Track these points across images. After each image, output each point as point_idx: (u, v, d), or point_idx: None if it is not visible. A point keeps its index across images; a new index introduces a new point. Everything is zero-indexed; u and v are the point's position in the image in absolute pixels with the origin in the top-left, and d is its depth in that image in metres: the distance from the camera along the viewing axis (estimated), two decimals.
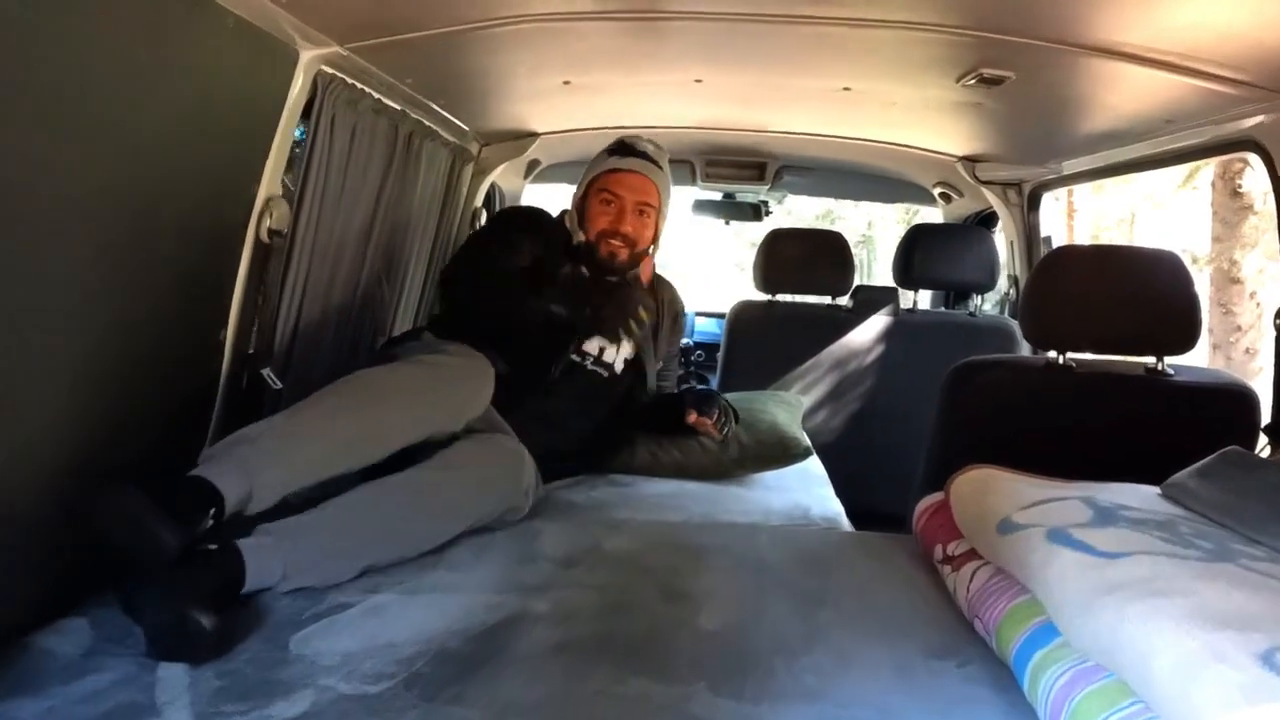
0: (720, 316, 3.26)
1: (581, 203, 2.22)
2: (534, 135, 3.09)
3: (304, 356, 1.99)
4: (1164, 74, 1.74)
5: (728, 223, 4.33)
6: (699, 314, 4.55)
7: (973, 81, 2.05)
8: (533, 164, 3.53)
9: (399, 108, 2.23)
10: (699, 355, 4.31)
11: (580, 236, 2.20)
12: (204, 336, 1.69)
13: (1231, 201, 6.94)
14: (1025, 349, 3.18)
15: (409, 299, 2.70)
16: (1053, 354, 1.93)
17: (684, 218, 4.17)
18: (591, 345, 2.19)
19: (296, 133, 1.80)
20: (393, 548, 1.53)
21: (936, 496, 1.78)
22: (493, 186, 3.60)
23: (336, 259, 2.07)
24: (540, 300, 2.05)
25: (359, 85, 1.94)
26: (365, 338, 2.36)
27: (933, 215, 4.04)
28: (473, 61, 2.10)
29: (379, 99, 2.07)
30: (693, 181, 3.71)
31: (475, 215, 3.22)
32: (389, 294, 2.43)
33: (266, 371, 1.81)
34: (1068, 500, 1.45)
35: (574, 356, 2.16)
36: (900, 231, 13.91)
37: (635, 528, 1.88)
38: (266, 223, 1.73)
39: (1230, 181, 6.89)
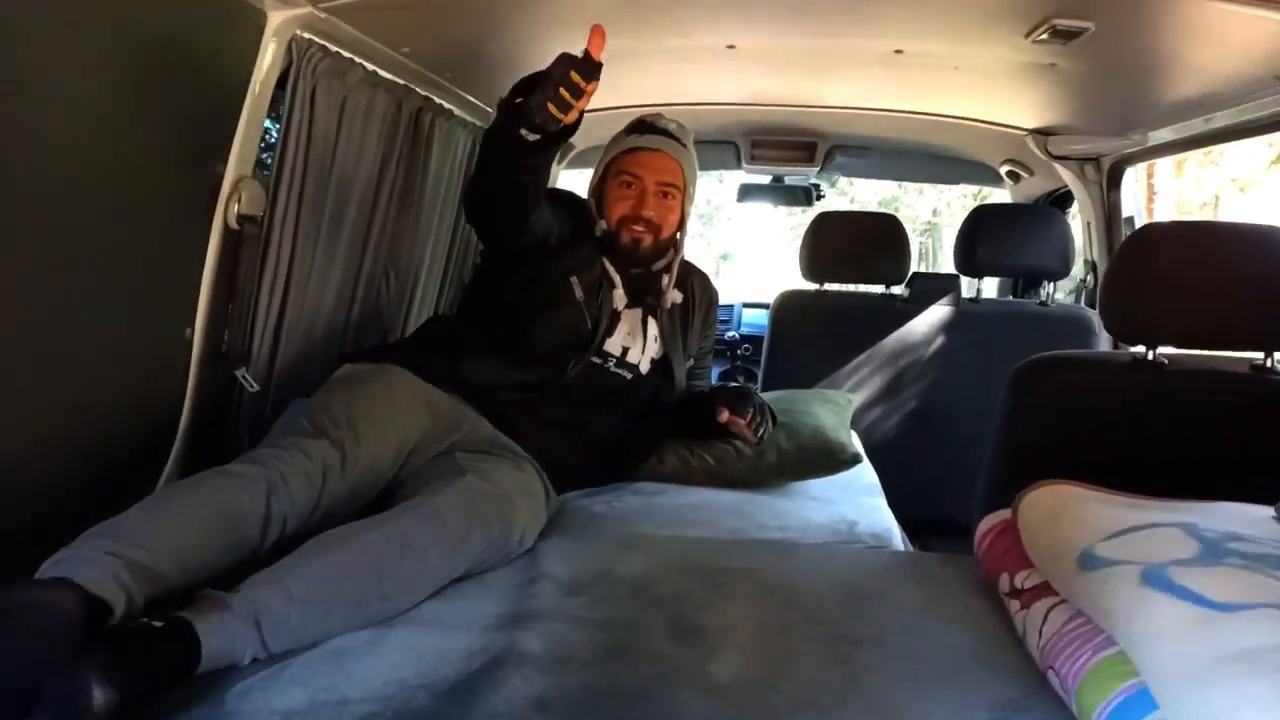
0: (769, 307, 3.03)
1: (599, 188, 2.01)
2: None
3: (290, 357, 1.82)
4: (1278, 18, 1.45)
5: (776, 207, 4.07)
6: (746, 305, 4.30)
7: (1044, 36, 1.78)
8: (566, 147, 3.31)
9: (401, 82, 2.04)
10: (746, 349, 4.05)
11: (602, 226, 1.98)
12: (168, 333, 1.52)
13: None
14: (1105, 343, 2.88)
15: (424, 295, 2.51)
16: (1140, 349, 1.65)
17: (730, 203, 3.93)
18: (614, 344, 1.97)
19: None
20: (367, 615, 1.30)
21: (1003, 514, 1.53)
22: None
23: (328, 248, 1.88)
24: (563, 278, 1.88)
25: (345, 54, 1.75)
26: (369, 337, 2.18)
27: (1000, 198, 3.73)
28: (474, 26, 1.89)
29: (374, 70, 1.88)
30: (738, 164, 3.47)
31: None
32: (395, 289, 2.25)
33: (242, 373, 1.63)
34: (1165, 528, 1.19)
35: (594, 358, 1.95)
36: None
37: (654, 546, 1.67)
38: (236, 206, 1.55)
39: None
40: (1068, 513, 1.34)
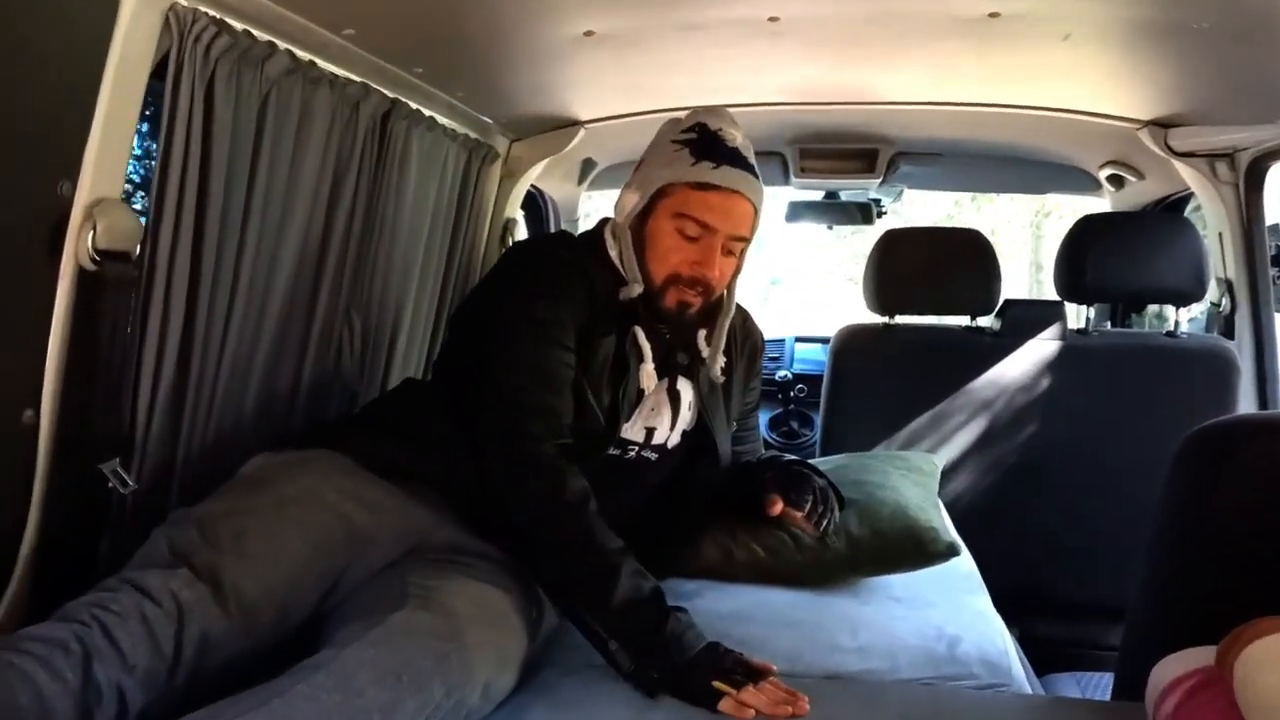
0: (825, 341, 2.54)
1: (641, 224, 1.48)
2: (577, 124, 2.44)
3: (203, 442, 1.39)
4: None
5: (830, 228, 3.58)
6: (799, 339, 3.81)
7: None
8: (587, 164, 2.88)
9: (355, 78, 1.61)
10: (800, 390, 3.54)
11: (635, 279, 1.47)
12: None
13: None
14: (1249, 383, 2.34)
15: (409, 346, 2.06)
16: None
17: (779, 222, 3.45)
18: (634, 429, 1.50)
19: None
20: None
21: (1198, 660, 1.05)
22: (540, 195, 2.98)
23: (250, 290, 1.45)
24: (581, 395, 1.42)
25: (260, 34, 1.32)
26: (330, 405, 1.74)
27: (1087, 208, 3.20)
28: (435, 2, 1.45)
29: (309, 60, 1.45)
30: (785, 180, 2.99)
31: (509, 228, 2.58)
32: (363, 341, 1.80)
33: (112, 468, 1.19)
34: None
35: (611, 450, 1.48)
36: (1028, 237, 12.84)
37: None
38: (90, 239, 1.11)
39: None
40: None
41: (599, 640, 1.25)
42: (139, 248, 1.20)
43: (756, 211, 1.49)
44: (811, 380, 3.41)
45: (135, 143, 1.22)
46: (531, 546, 1.31)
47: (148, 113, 1.21)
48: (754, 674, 1.21)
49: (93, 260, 1.12)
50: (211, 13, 1.22)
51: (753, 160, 1.49)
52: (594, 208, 3.48)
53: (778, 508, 1.52)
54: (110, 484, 1.20)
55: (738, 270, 1.54)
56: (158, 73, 1.20)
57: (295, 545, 1.16)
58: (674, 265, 1.45)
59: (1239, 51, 1.70)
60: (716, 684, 1.18)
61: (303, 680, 0.95)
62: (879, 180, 2.86)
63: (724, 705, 1.17)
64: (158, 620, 1.01)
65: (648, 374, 1.46)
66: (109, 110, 1.12)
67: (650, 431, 1.50)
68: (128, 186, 1.22)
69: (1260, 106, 2.02)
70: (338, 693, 0.95)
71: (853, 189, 3.18)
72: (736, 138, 1.49)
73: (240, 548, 1.11)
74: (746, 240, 1.50)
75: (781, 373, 3.58)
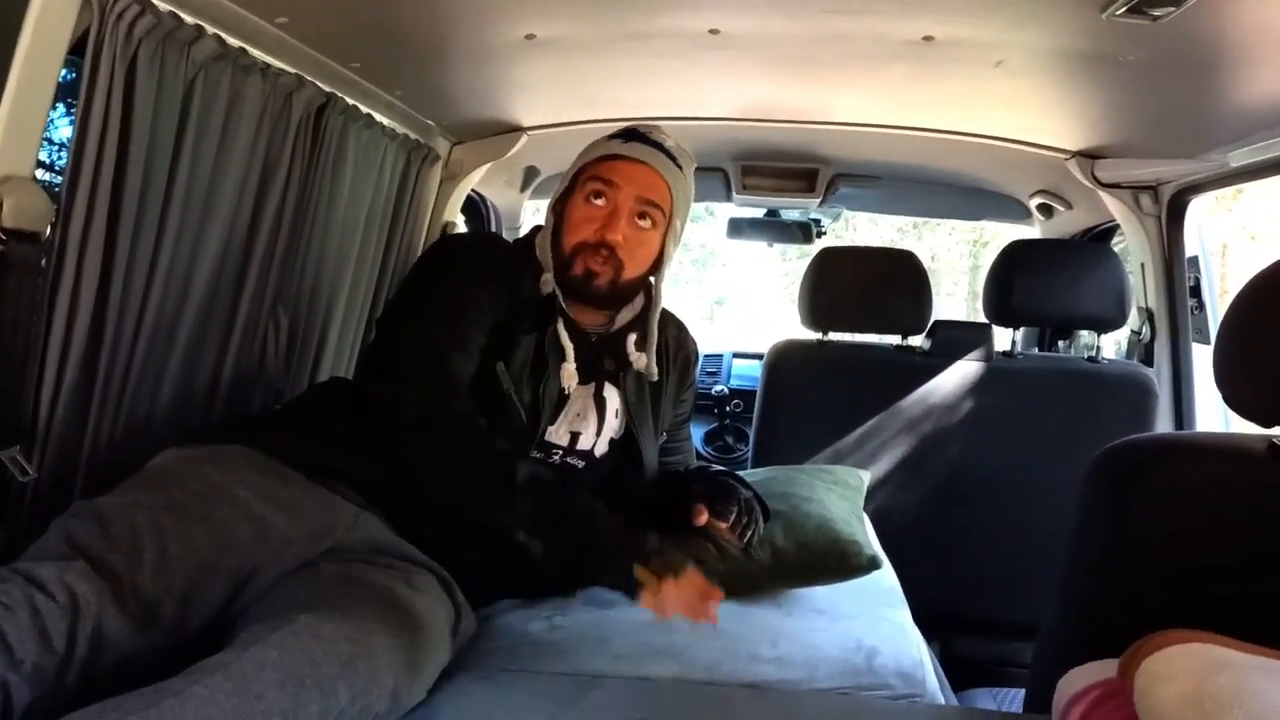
0: (762, 357, 2.56)
1: (561, 205, 1.52)
2: (519, 130, 2.43)
3: (113, 433, 1.34)
4: None
5: (771, 245, 3.62)
6: (737, 355, 3.83)
7: (1124, 10, 1.34)
8: (530, 172, 2.87)
9: (289, 69, 1.58)
10: (736, 405, 3.55)
11: (548, 261, 1.50)
12: None
13: None
14: (1165, 408, 2.41)
15: (340, 344, 2.02)
16: (1277, 432, 1.18)
17: (725, 245, 3.48)
18: (558, 432, 1.49)
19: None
20: None
21: (1102, 673, 1.06)
22: (481, 200, 2.96)
23: (168, 279, 1.40)
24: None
25: (187, 18, 1.28)
26: (252, 401, 1.69)
27: (1020, 237, 3.28)
28: None
29: (239, 47, 1.42)
30: (727, 195, 3.01)
31: (447, 231, 2.55)
32: (289, 336, 1.76)
33: (10, 455, 1.14)
34: None
35: (535, 453, 1.46)
36: (967, 265, 13.11)
37: (604, 698, 1.24)
38: None
39: None
40: (1221, 695, 0.87)
41: (507, 537, 1.25)
42: (49, 229, 1.16)
43: (670, 188, 1.51)
44: (748, 395, 3.42)
45: (54, 121, 1.18)
46: (426, 460, 1.31)
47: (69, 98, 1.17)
48: (671, 563, 1.22)
49: None
50: None
51: (675, 156, 1.53)
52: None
53: (703, 518, 1.51)
54: (8, 471, 1.15)
55: (662, 257, 1.55)
56: (76, 48, 1.16)
57: (200, 542, 1.12)
58: (581, 234, 1.47)
59: (1163, 86, 1.76)
60: (639, 571, 1.19)
61: (199, 681, 0.91)
62: (818, 200, 2.89)
63: (644, 600, 1.19)
64: (50, 613, 0.97)
65: (569, 373, 1.45)
66: (20, 85, 1.07)
67: (575, 436, 1.49)
68: (46, 170, 1.18)
69: (1182, 142, 2.10)
70: (236, 695, 0.91)
71: (793, 207, 3.21)
72: (664, 139, 1.53)
73: (141, 542, 1.07)
74: (662, 210, 1.50)
75: (718, 388, 3.59)
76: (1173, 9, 1.32)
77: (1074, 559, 1.29)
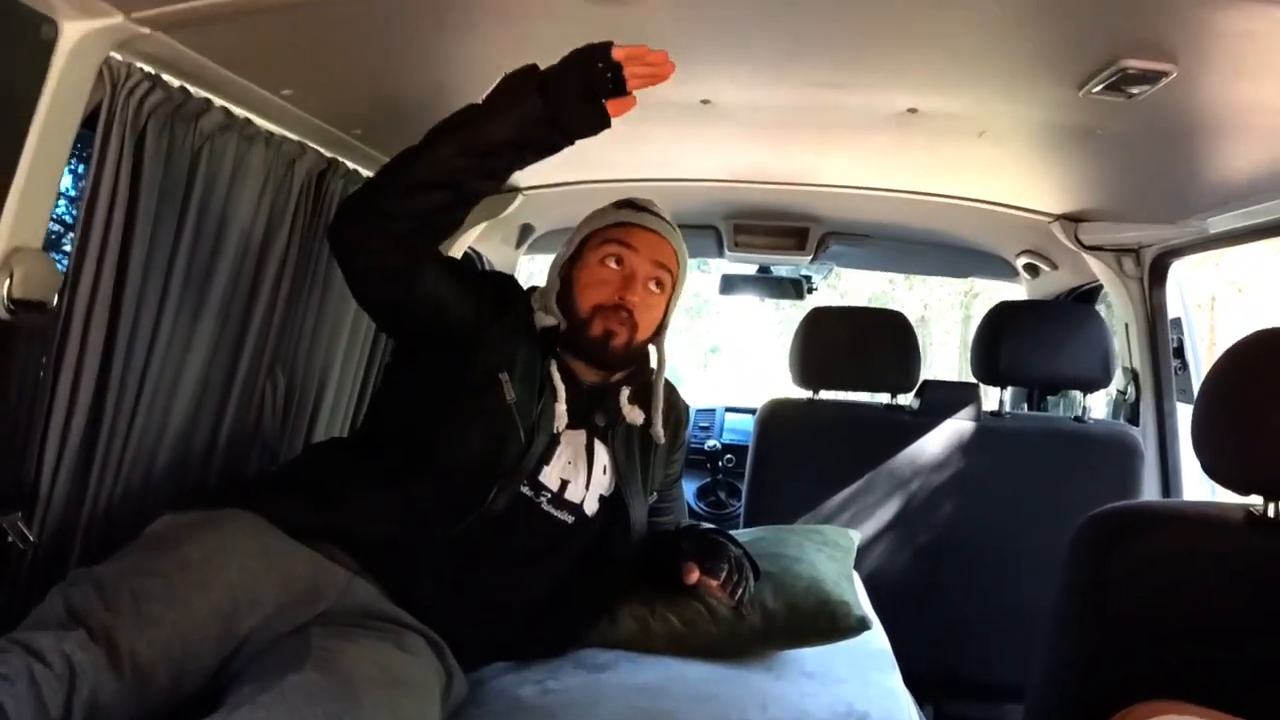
0: (754, 412, 2.58)
1: (569, 268, 1.57)
2: (515, 190, 2.48)
3: (111, 498, 1.36)
4: None
5: (763, 300, 3.66)
6: (730, 409, 3.85)
7: (1101, 88, 1.39)
8: (525, 229, 2.91)
9: (292, 136, 1.63)
10: (729, 460, 3.57)
11: (555, 321, 1.54)
12: None
13: None
14: (1152, 468, 2.44)
15: (336, 405, 2.04)
16: (1255, 501, 1.20)
17: (718, 295, 3.53)
18: (550, 475, 1.50)
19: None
20: None
21: None
22: (477, 257, 3.00)
23: (174, 344, 1.43)
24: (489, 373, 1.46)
25: (195, 90, 1.33)
26: (248, 463, 1.71)
27: (1008, 294, 3.34)
28: (375, 69, 1.48)
29: (245, 117, 1.46)
30: (719, 252, 3.06)
31: None
32: (285, 397, 1.78)
33: (12, 522, 1.16)
34: None
35: (524, 489, 1.48)
36: (959, 315, 13.20)
37: None
38: (5, 287, 1.10)
39: None
40: None
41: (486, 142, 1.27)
42: (56, 296, 1.19)
43: (678, 256, 1.59)
44: (740, 450, 3.44)
45: (62, 188, 1.21)
46: (388, 203, 1.32)
47: (76, 160, 1.21)
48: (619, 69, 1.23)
49: (7, 309, 1.11)
50: (146, 68, 1.23)
51: (671, 222, 1.62)
52: (536, 268, 3.51)
53: (694, 576, 1.53)
54: (10, 539, 1.16)
55: (664, 324, 1.61)
56: (88, 121, 1.20)
57: (196, 609, 1.13)
58: (599, 296, 1.52)
59: (1141, 157, 1.81)
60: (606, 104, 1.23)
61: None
62: (809, 258, 2.94)
63: (613, 109, 1.24)
64: (47, 683, 0.98)
65: (559, 413, 1.49)
66: (34, 160, 1.11)
67: (564, 484, 1.51)
68: (53, 232, 1.21)
69: (1161, 208, 2.15)
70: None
71: (784, 264, 3.26)
72: (661, 211, 1.62)
73: (139, 610, 1.08)
74: (671, 276, 1.58)
75: (711, 442, 3.61)
76: (1148, 87, 1.37)
77: (1057, 625, 1.30)
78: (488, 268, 3.11)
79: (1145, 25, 1.19)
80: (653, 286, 1.56)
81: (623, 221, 1.57)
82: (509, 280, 1.66)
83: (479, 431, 1.43)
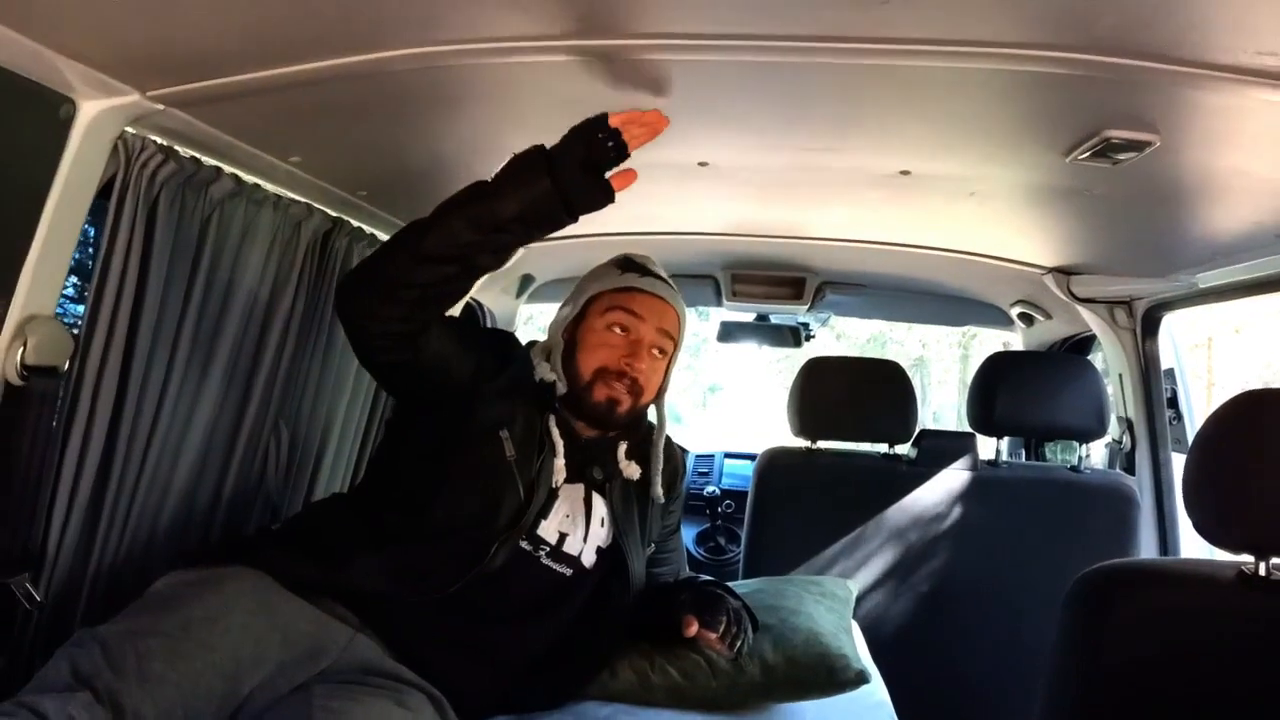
0: (753, 458, 2.59)
1: (573, 329, 1.60)
2: None
3: (116, 557, 1.38)
4: None
5: (761, 347, 3.69)
6: (729, 455, 3.86)
7: (1088, 154, 1.43)
8: (526, 280, 2.95)
9: (299, 199, 1.67)
10: (728, 506, 3.58)
11: (555, 378, 1.57)
12: None
13: None
14: (1148, 515, 2.45)
15: (336, 460, 2.06)
16: (1246, 560, 1.22)
17: (710, 334, 3.55)
18: (548, 528, 1.52)
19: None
20: None
21: None
22: (478, 306, 3.04)
23: (177, 402, 1.46)
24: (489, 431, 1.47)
25: (206, 160, 1.37)
26: (251, 518, 1.73)
27: (1004, 339, 3.37)
28: (380, 136, 1.52)
29: (254, 183, 1.50)
30: (718, 301, 3.09)
31: None
32: (289, 452, 1.80)
33: (20, 584, 1.18)
34: None
35: (523, 544, 1.50)
36: (957, 354, 13.22)
37: None
38: (19, 354, 1.13)
39: None
40: None
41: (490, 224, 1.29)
42: (68, 361, 1.22)
43: (680, 321, 1.62)
44: (739, 496, 3.45)
45: (75, 254, 1.25)
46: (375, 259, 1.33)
47: (90, 226, 1.24)
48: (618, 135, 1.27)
49: (20, 375, 1.13)
50: (159, 140, 1.27)
51: (670, 283, 1.64)
52: (535, 310, 3.54)
53: (693, 629, 1.54)
54: (17, 599, 1.18)
55: (664, 387, 1.63)
56: (102, 191, 1.23)
57: (200, 669, 1.15)
58: (603, 359, 1.55)
59: (1128, 217, 1.85)
60: (608, 178, 1.28)
61: None
62: (806, 306, 2.97)
63: (616, 182, 1.28)
64: None
65: (557, 469, 1.51)
66: (49, 231, 1.14)
67: (563, 537, 1.53)
68: (66, 296, 1.24)
69: (1151, 264, 2.18)
70: None
71: (782, 313, 3.30)
72: (660, 270, 1.64)
73: (143, 671, 1.10)
74: (673, 341, 1.61)
75: (710, 488, 3.62)
76: (1133, 154, 1.41)
77: (1053, 680, 1.32)
78: (488, 318, 3.15)
79: (1127, 99, 1.23)
80: (656, 353, 1.60)
81: (628, 287, 1.59)
82: (509, 337, 1.68)
83: (478, 488, 1.46)
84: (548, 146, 1.28)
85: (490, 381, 1.51)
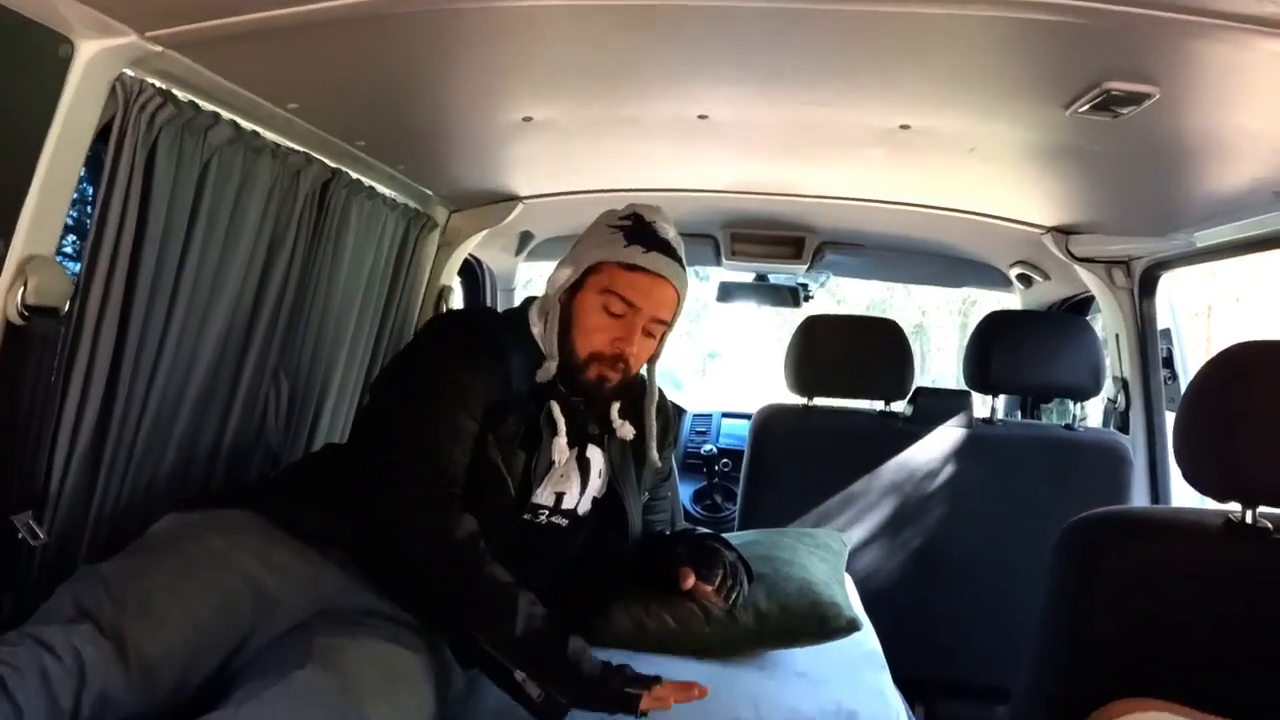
0: (750, 418, 2.61)
1: (569, 298, 1.55)
2: (515, 199, 2.51)
3: (118, 498, 1.40)
4: None
5: (760, 307, 3.70)
6: (726, 415, 3.89)
7: (1088, 107, 1.42)
8: (525, 237, 2.95)
9: (297, 148, 1.66)
10: (725, 464, 3.61)
11: (553, 356, 1.54)
12: None
13: None
14: (1141, 474, 2.47)
15: (335, 410, 2.07)
16: (1234, 508, 1.24)
17: (711, 300, 3.55)
18: (544, 494, 1.54)
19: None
20: None
21: None
22: (478, 264, 3.04)
23: (181, 350, 1.47)
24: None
25: (205, 105, 1.37)
26: (251, 465, 1.75)
27: (1002, 302, 3.38)
28: (379, 85, 1.51)
29: (252, 130, 1.50)
30: (717, 261, 3.09)
31: (444, 296, 2.63)
32: (288, 401, 1.82)
33: (25, 519, 1.19)
34: None
35: (524, 515, 1.52)
36: (957, 321, 13.20)
37: None
38: (19, 294, 1.14)
39: None
40: None
41: (503, 673, 1.29)
42: (68, 303, 1.22)
43: (680, 299, 1.59)
44: (736, 455, 3.46)
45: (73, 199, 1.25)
46: (428, 585, 1.34)
47: (89, 171, 1.24)
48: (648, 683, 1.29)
49: (20, 315, 1.14)
50: (158, 84, 1.27)
51: (682, 254, 1.59)
52: (537, 272, 3.54)
53: (690, 581, 1.56)
54: (20, 535, 1.20)
55: (657, 354, 1.63)
56: (101, 135, 1.23)
57: (201, 607, 1.17)
58: (597, 344, 1.52)
59: (1127, 173, 1.85)
60: (629, 690, 1.28)
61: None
62: (805, 266, 2.97)
63: (644, 704, 1.26)
64: (58, 677, 1.02)
65: (560, 447, 1.51)
66: (48, 172, 1.15)
67: (559, 496, 1.55)
68: (65, 240, 1.25)
69: (1149, 222, 2.19)
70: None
71: (781, 273, 3.30)
72: (669, 231, 1.58)
73: (146, 608, 1.12)
74: (667, 324, 1.58)
75: (707, 447, 3.64)
76: (1134, 108, 1.41)
77: (1042, 628, 1.34)
78: (488, 275, 3.15)
79: (1127, 49, 1.23)
80: (650, 331, 1.57)
81: (631, 264, 1.52)
82: (493, 339, 1.55)
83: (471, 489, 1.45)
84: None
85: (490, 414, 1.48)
